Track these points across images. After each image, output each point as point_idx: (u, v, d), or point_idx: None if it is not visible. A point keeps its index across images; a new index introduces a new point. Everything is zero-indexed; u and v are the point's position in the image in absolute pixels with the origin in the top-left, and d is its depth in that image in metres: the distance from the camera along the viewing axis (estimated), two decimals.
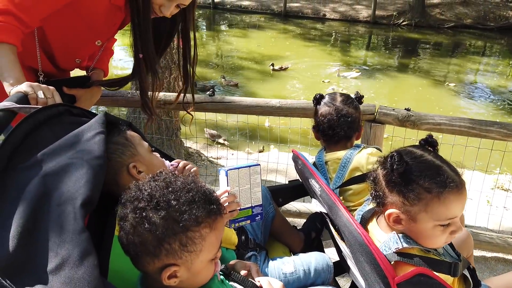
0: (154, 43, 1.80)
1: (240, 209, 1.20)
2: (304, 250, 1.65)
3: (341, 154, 1.64)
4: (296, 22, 15.12)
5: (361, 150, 1.62)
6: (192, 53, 1.91)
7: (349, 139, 1.69)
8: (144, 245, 0.86)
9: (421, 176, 1.09)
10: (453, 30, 14.26)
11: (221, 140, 5.60)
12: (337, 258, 1.48)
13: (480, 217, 3.15)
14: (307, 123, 2.45)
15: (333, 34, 13.76)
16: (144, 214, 0.86)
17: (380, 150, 1.74)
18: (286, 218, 1.78)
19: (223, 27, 14.85)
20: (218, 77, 8.47)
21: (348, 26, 14.77)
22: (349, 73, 8.22)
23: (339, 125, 1.64)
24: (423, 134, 2.62)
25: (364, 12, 15.12)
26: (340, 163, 1.62)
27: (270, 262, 1.43)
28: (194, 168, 1.35)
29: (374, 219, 1.27)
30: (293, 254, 1.65)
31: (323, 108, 1.70)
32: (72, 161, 0.94)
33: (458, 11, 14.73)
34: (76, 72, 2.04)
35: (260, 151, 5.34)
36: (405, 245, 1.12)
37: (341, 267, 1.46)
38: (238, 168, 1.19)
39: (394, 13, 14.67)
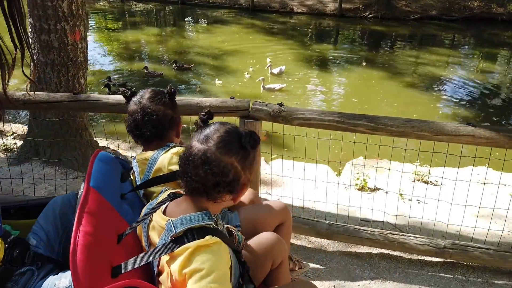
0: None
1: None
2: None
3: (149, 154, 1.54)
4: (263, 16, 14.98)
5: (168, 149, 1.52)
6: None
7: (162, 138, 1.59)
8: None
9: None
10: (418, 21, 14.30)
11: None
12: None
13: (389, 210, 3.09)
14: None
15: (298, 28, 13.66)
16: None
17: None
18: None
19: (188, 23, 14.64)
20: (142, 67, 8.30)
21: (315, 20, 14.70)
22: (278, 68, 8.00)
23: (144, 124, 1.54)
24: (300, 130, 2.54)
25: (331, 5, 15.05)
26: (147, 164, 1.52)
27: (50, 277, 1.32)
28: None
29: (160, 211, 1.20)
30: None
31: (131, 107, 1.59)
32: None
33: (424, 3, 14.77)
34: None
35: None
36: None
37: None
38: None
39: (361, 6, 14.63)
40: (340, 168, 4.88)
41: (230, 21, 14.40)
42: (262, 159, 4.45)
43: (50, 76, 3.34)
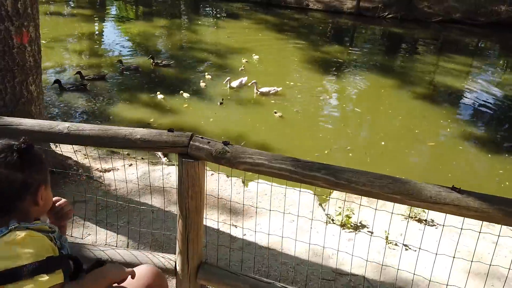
0: None
1: None
2: None
3: None
4: (278, 12, 14.45)
5: (4, 234, 1.10)
6: None
7: (6, 212, 1.16)
8: None
9: None
10: (440, 25, 13.53)
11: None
12: None
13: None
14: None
15: (312, 26, 13.08)
16: None
17: (50, 230, 1.22)
18: None
19: (199, 16, 14.20)
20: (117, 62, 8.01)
21: (331, 18, 14.08)
22: (237, 81, 7.12)
23: None
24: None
25: (348, 3, 14.40)
26: None
27: None
28: None
29: None
30: None
31: None
32: None
33: (447, 5, 13.96)
34: None
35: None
36: None
37: None
38: None
39: (380, 5, 13.94)
40: (330, 192, 4.44)
41: (243, 15, 13.91)
42: (239, 180, 4.01)
43: None
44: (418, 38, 12.61)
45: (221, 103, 6.58)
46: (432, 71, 9.56)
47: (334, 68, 9.02)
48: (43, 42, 9.33)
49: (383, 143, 5.73)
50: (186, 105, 6.52)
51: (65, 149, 4.32)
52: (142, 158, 4.97)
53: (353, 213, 3.33)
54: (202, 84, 7.28)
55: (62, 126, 1.97)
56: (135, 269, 1.41)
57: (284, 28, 12.29)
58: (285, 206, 3.41)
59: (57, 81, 6.68)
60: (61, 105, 6.36)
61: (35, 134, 1.98)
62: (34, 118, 3.21)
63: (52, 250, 1.14)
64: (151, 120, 5.99)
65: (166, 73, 7.86)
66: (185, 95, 6.71)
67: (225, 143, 1.92)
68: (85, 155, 4.29)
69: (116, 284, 1.33)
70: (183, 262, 2.14)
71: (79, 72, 7.09)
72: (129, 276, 1.31)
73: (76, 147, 4.50)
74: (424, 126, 6.31)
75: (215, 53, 9.34)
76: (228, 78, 6.98)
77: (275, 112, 6.30)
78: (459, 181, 4.97)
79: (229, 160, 1.88)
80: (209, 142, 1.93)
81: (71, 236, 2.75)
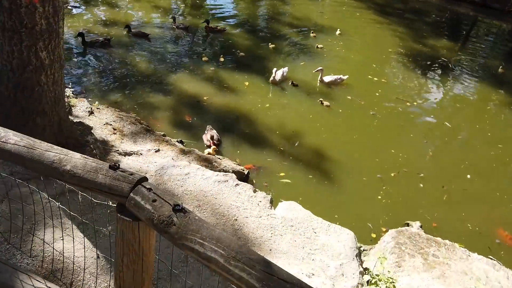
0: None
1: None
2: None
3: None
4: None
5: None
6: None
7: None
8: None
9: None
10: None
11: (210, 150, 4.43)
12: None
13: None
14: None
15: (421, 12, 11.32)
16: None
17: None
18: None
19: None
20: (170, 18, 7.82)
21: (449, 5, 12.08)
22: (280, 72, 6.06)
23: None
24: None
25: None
26: None
27: None
28: None
29: None
30: None
31: None
32: None
33: None
34: None
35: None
36: None
37: None
38: None
39: None
40: (374, 235, 3.61)
41: None
42: (267, 199, 3.32)
43: (1, 41, 2.63)
44: None
45: (295, 85, 6.02)
46: None
47: (435, 68, 7.62)
48: None
49: (468, 176, 4.59)
50: (247, 83, 5.93)
51: (96, 121, 4.01)
52: (181, 141, 4.53)
53: (400, 274, 2.50)
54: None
55: None
56: None
57: (387, 10, 10.81)
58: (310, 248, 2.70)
59: (80, 34, 6.15)
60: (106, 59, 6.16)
61: None
62: (44, 89, 2.86)
63: None
64: (205, 97, 5.49)
65: (217, 38, 7.45)
66: (204, 58, 6.45)
67: (176, 208, 1.27)
68: (114, 129, 3.94)
69: None
70: None
71: (127, 26, 6.85)
72: None
73: (108, 118, 4.18)
74: None
75: (297, 28, 8.47)
76: (274, 69, 6.06)
77: (321, 101, 5.63)
78: None
79: (173, 236, 1.24)
80: (154, 201, 1.30)
81: (19, 249, 2.32)
